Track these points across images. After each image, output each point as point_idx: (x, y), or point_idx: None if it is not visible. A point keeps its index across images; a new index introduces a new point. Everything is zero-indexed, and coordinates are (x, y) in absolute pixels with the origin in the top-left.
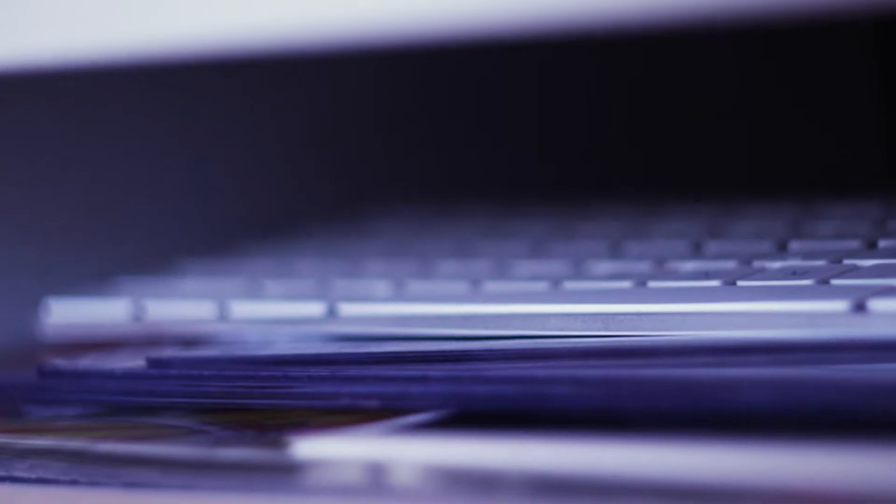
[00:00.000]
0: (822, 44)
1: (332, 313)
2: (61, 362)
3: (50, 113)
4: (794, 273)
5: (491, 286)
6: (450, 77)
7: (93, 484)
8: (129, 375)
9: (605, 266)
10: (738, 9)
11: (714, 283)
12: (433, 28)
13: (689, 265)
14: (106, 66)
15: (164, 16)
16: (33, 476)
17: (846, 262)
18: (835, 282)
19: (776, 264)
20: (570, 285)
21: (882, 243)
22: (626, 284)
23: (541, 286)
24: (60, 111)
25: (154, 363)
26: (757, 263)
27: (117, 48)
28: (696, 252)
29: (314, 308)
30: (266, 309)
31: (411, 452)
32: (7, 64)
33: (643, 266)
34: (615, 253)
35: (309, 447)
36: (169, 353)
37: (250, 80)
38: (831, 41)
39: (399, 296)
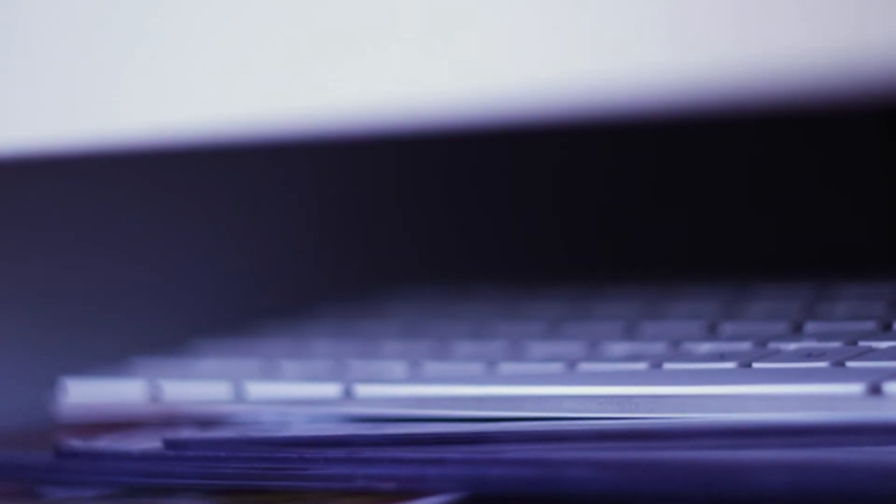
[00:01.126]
0: (838, 125)
1: (348, 394)
2: (78, 443)
3: (66, 194)
4: (810, 355)
5: (506, 367)
6: (465, 159)
7: None
8: (146, 456)
9: (620, 347)
10: (752, 97)
11: (729, 364)
12: (446, 114)
13: (705, 346)
14: (121, 150)
15: (178, 103)
16: None
17: (861, 343)
18: (850, 364)
19: (791, 346)
20: (585, 367)
21: None
22: (641, 366)
23: (556, 367)
24: (77, 193)
25: (171, 444)
26: (772, 345)
27: (135, 133)
28: (712, 333)
29: (330, 389)
30: (282, 390)
31: None
32: (23, 147)
33: (658, 347)
34: (630, 334)
35: None
36: (186, 434)
37: (266, 163)
38: (847, 122)
39: (415, 377)
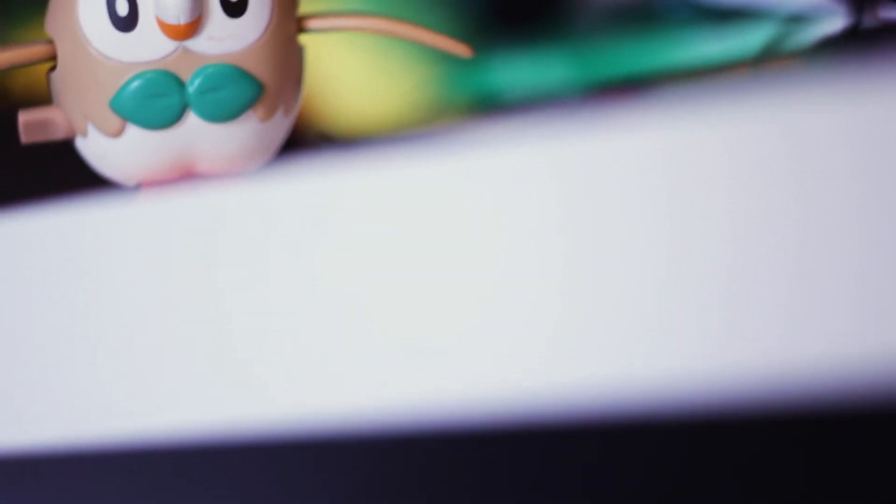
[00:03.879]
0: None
1: None
2: None
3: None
4: None
5: None
6: (496, 453)
7: None
8: None
9: None
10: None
11: None
12: (457, 418)
13: None
14: (162, 447)
15: (211, 405)
16: None
17: None
18: None
19: None
20: None
21: None
22: None
23: None
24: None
25: None
26: None
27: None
28: None
29: None
30: None
31: None
32: (55, 445)
33: None
34: None
35: None
36: None
37: (299, 457)
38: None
39: None
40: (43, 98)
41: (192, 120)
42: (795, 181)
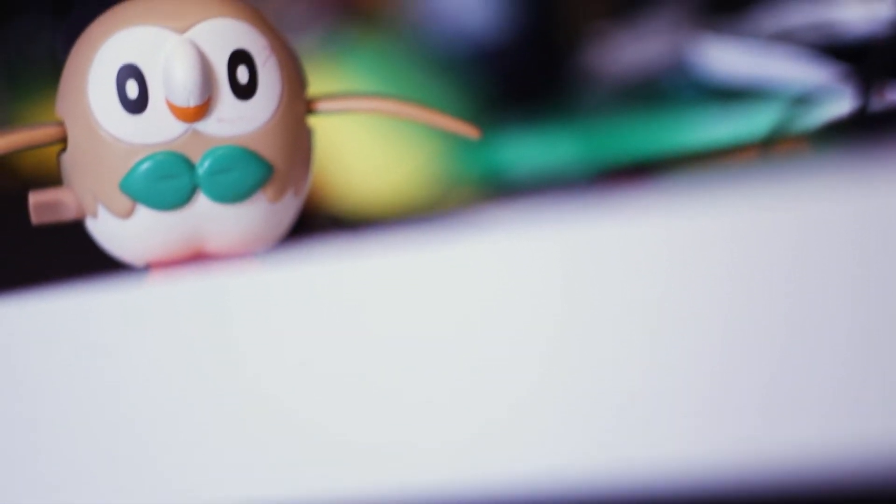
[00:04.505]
0: None
1: None
2: None
3: None
4: None
5: None
6: None
7: None
8: None
9: None
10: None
11: None
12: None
13: None
14: None
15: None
16: None
17: None
18: None
19: None
20: None
21: None
22: None
23: None
24: None
25: None
26: None
27: None
28: None
29: None
30: None
31: None
32: None
33: None
34: None
35: None
36: None
37: None
38: None
39: None
40: (53, 178)
41: (201, 201)
42: (800, 268)
